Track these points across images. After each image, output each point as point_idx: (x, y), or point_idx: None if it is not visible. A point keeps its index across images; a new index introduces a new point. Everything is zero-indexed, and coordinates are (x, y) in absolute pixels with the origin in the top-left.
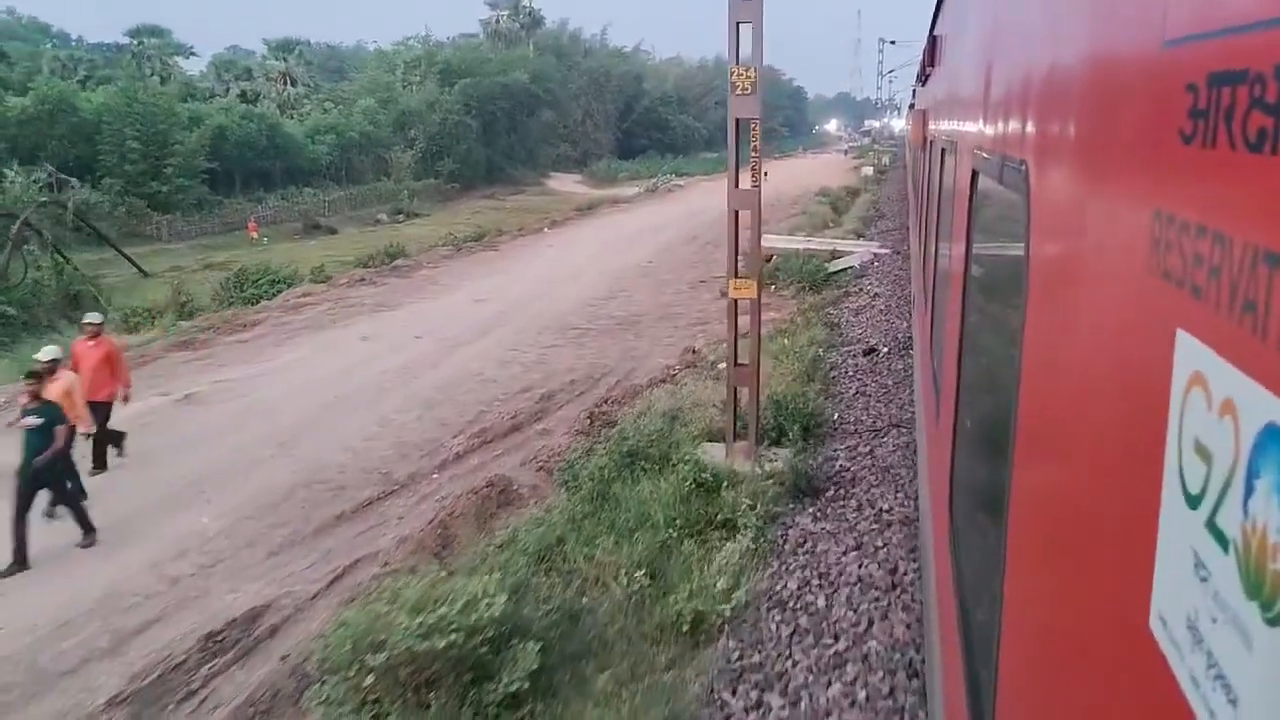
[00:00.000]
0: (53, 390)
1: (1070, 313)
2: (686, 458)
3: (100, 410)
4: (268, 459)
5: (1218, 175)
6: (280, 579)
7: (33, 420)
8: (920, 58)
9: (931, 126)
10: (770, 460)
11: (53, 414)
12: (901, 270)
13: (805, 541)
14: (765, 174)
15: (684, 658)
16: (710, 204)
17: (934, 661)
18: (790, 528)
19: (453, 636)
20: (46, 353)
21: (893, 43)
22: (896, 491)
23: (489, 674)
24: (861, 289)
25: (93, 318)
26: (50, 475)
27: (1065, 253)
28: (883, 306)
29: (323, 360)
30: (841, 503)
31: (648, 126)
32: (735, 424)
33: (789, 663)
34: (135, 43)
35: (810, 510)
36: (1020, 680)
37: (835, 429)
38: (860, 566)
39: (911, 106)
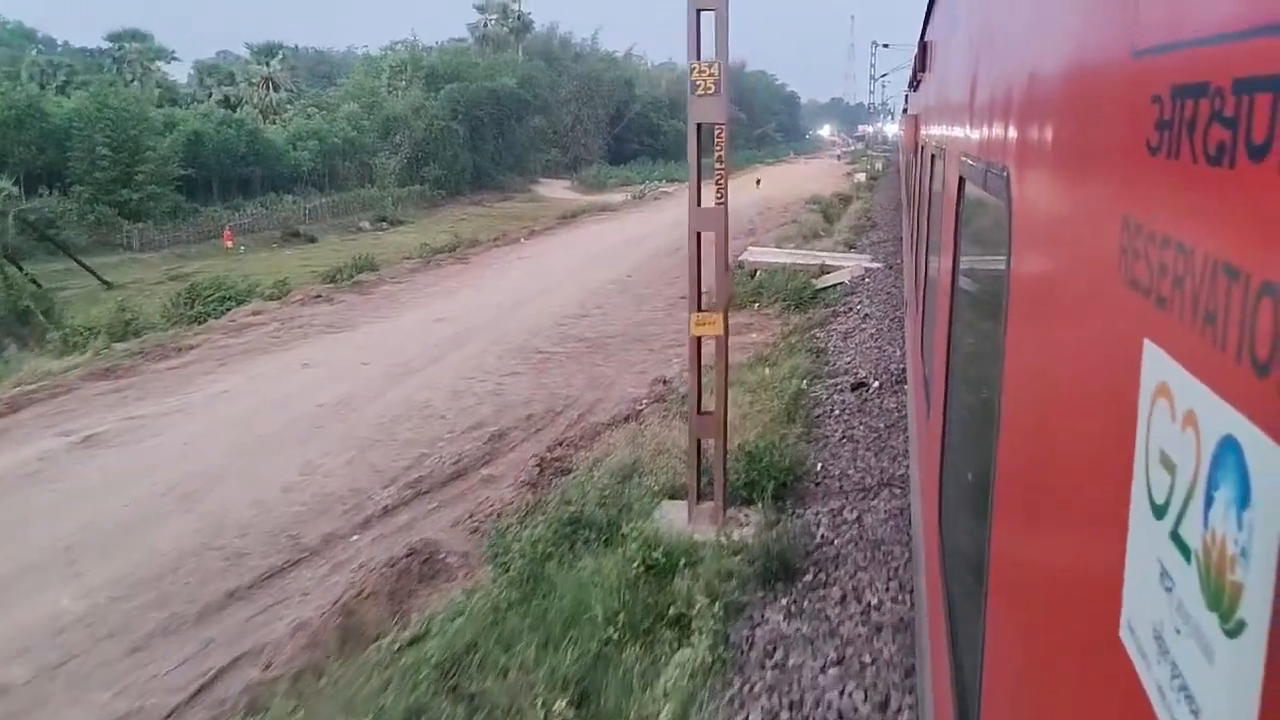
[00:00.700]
0: None
1: (1048, 321)
2: (635, 534)
3: None
4: (164, 516)
5: (1181, 186)
6: (136, 686)
7: None
8: (912, 63)
9: (923, 132)
10: (740, 524)
11: None
12: (895, 287)
13: (775, 649)
14: (758, 181)
15: None
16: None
17: (925, 675)
18: (758, 625)
19: None
20: None
21: (885, 46)
22: (889, 578)
23: None
24: (851, 308)
25: None
26: None
27: (1044, 260)
28: (873, 330)
29: (254, 391)
30: (822, 591)
31: (639, 132)
32: (699, 481)
33: None
34: (116, 47)
35: (783, 601)
36: (1005, 686)
37: (818, 483)
38: (842, 693)
39: (904, 111)
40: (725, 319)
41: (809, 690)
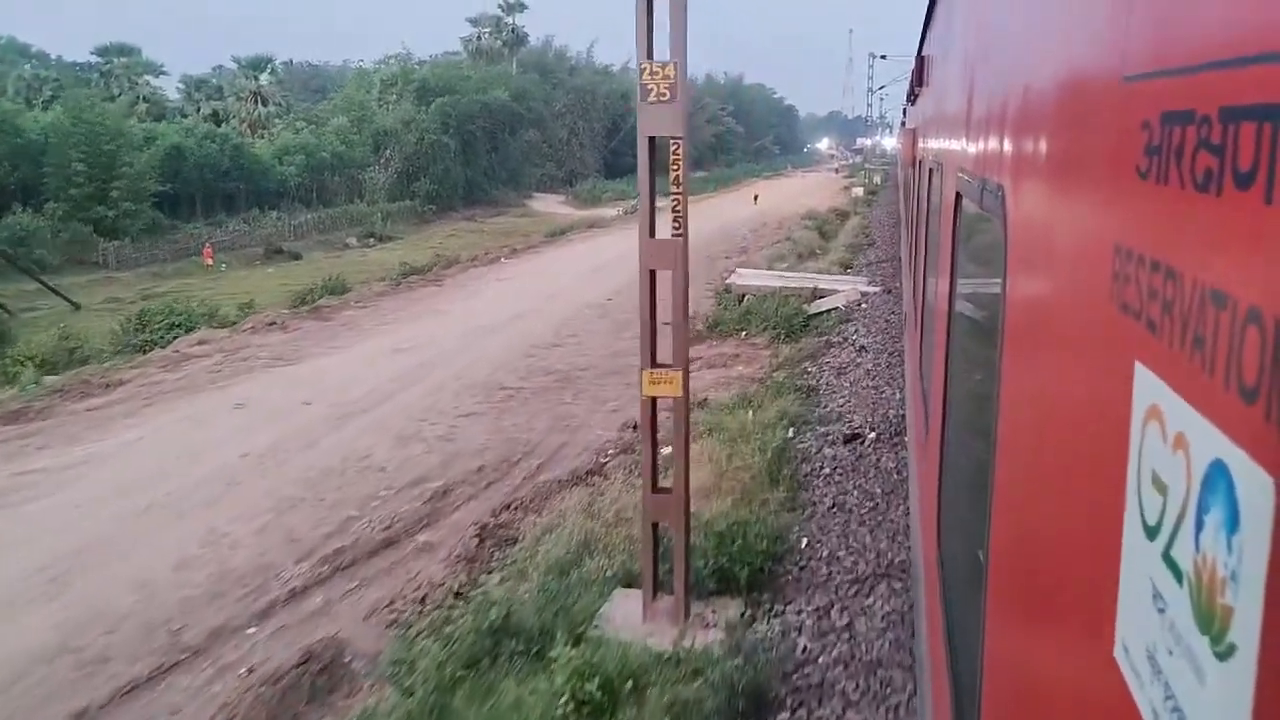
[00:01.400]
0: None
1: (1042, 339)
2: (564, 661)
3: None
4: (21, 606)
5: (1170, 212)
6: None
7: None
8: (910, 76)
9: (920, 146)
10: (706, 624)
11: None
12: (893, 314)
13: None
14: (756, 197)
15: None
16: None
17: (925, 692)
18: None
19: None
20: None
21: (883, 57)
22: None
23: None
24: (846, 338)
25: None
26: None
27: (1038, 278)
28: (870, 366)
29: (174, 438)
30: None
31: (634, 145)
32: (656, 573)
33: None
34: (103, 62)
35: None
36: (1004, 706)
37: (802, 566)
38: None
39: (902, 125)
40: (685, 377)
41: None
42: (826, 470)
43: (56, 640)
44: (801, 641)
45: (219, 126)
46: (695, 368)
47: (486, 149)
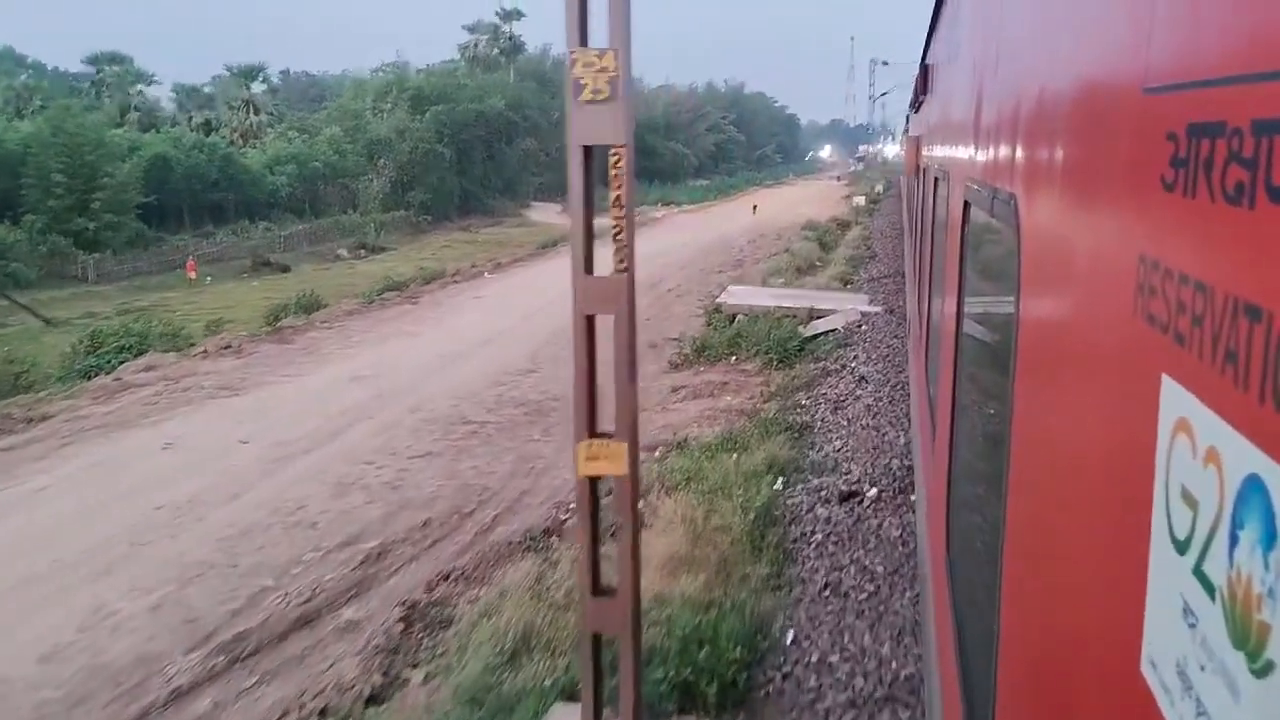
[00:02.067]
0: None
1: (1059, 351)
2: None
3: None
4: None
5: (1199, 225)
6: None
7: None
8: (914, 84)
9: (925, 153)
10: None
11: None
12: (897, 338)
13: None
14: (755, 208)
15: None
16: (683, 240)
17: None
18: None
19: None
20: None
21: (885, 63)
22: None
23: None
24: (845, 366)
25: None
26: None
27: (1055, 289)
28: (871, 400)
29: (84, 487)
30: None
31: (635, 154)
32: (600, 690)
33: None
34: (95, 71)
35: None
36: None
37: (785, 675)
38: None
39: (905, 133)
40: (634, 451)
41: None
42: (818, 536)
43: None
44: None
45: (208, 136)
46: (680, 398)
47: (482, 158)
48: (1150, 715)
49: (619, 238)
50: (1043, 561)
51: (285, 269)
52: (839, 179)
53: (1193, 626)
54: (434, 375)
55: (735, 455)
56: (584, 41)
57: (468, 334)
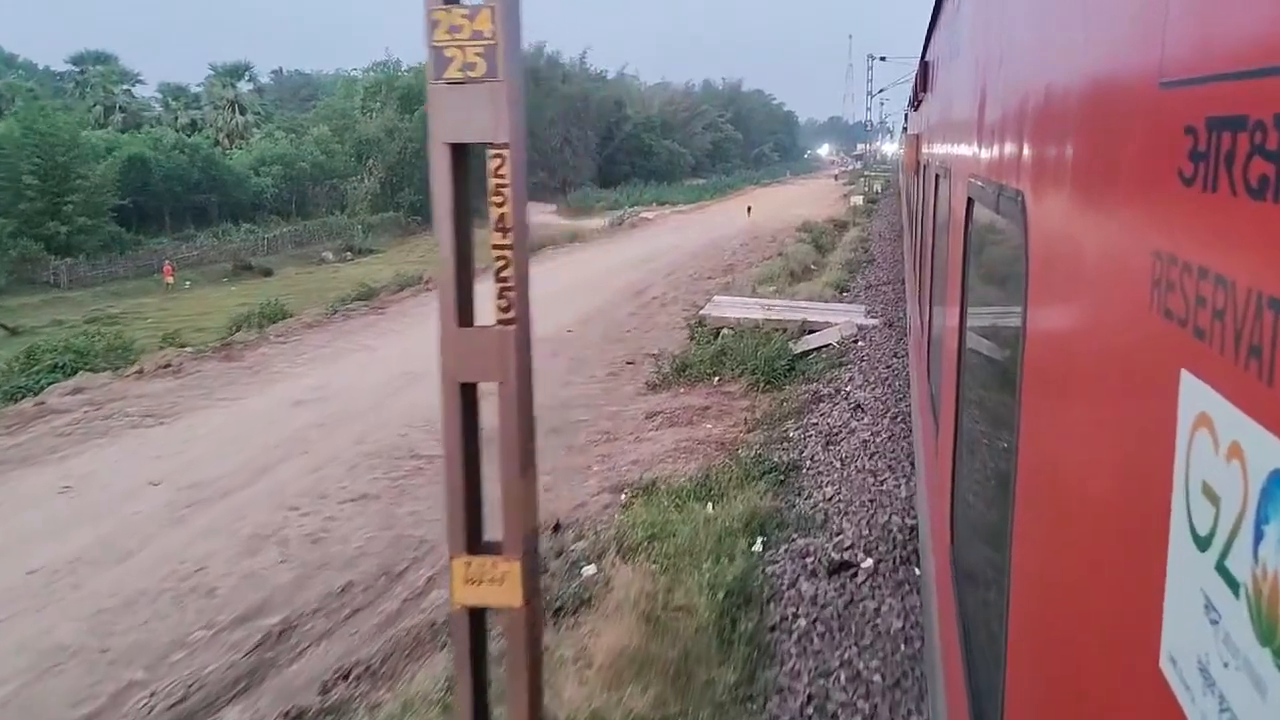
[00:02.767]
0: None
1: (1071, 349)
2: None
3: None
4: None
5: (1220, 219)
6: None
7: None
8: (913, 81)
9: (925, 151)
10: None
11: None
12: (897, 357)
13: None
14: (749, 209)
15: None
16: (673, 242)
17: (939, 706)
18: None
19: None
20: None
21: (883, 59)
22: None
23: None
24: (839, 389)
25: None
26: None
27: (1066, 286)
28: (868, 434)
29: None
30: None
31: (630, 153)
32: None
33: None
34: (78, 70)
35: None
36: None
37: None
38: None
39: (905, 131)
40: (532, 572)
41: None
42: (802, 623)
43: None
44: None
45: (191, 136)
46: (655, 425)
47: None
48: (1170, 712)
49: (504, 275)
50: (1054, 559)
51: (267, 273)
52: (837, 177)
53: (1215, 623)
54: (387, 397)
55: (710, 505)
56: None
57: (431, 349)
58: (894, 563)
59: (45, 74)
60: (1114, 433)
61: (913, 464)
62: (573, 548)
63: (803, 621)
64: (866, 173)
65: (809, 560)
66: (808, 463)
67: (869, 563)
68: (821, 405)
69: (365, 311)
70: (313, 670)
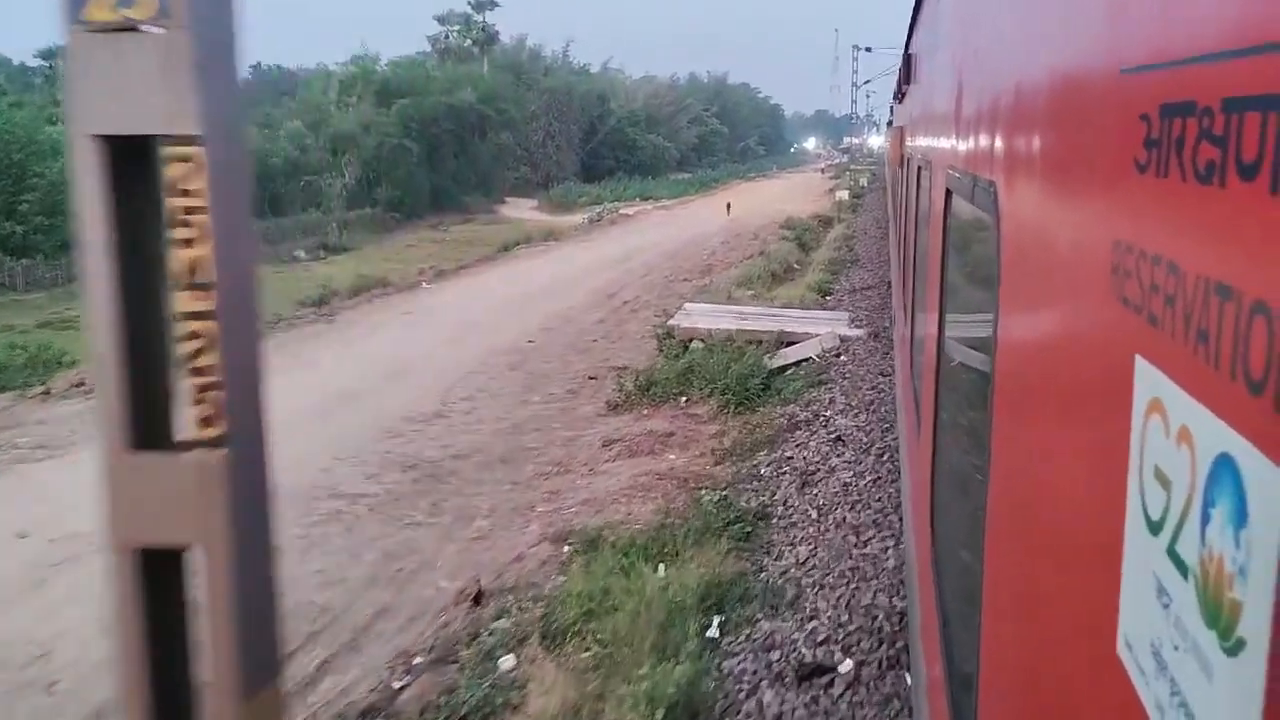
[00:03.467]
0: None
1: (1038, 335)
2: None
3: None
4: None
5: (1171, 205)
6: None
7: None
8: (897, 74)
9: (908, 143)
10: None
11: None
12: (884, 376)
13: None
14: (729, 206)
15: None
16: (652, 240)
17: (920, 694)
18: None
19: None
20: None
21: (868, 50)
22: None
23: None
24: (817, 414)
25: None
26: None
27: (1033, 273)
28: (849, 475)
29: None
30: None
31: (614, 147)
32: None
33: None
34: (47, 65)
35: None
36: (1002, 704)
37: None
38: None
39: (889, 123)
40: None
41: None
42: None
43: None
44: None
45: None
46: (613, 454)
47: (454, 153)
48: (1127, 697)
49: (201, 364)
50: (1024, 545)
51: None
52: (823, 171)
53: (1166, 607)
54: (316, 424)
55: (662, 567)
56: None
57: (376, 364)
58: (879, 666)
59: (20, 70)
60: (1078, 419)
61: (901, 519)
62: (492, 627)
63: None
64: (852, 166)
65: (775, 657)
66: (780, 509)
67: (848, 666)
68: (798, 433)
69: (313, 320)
70: None
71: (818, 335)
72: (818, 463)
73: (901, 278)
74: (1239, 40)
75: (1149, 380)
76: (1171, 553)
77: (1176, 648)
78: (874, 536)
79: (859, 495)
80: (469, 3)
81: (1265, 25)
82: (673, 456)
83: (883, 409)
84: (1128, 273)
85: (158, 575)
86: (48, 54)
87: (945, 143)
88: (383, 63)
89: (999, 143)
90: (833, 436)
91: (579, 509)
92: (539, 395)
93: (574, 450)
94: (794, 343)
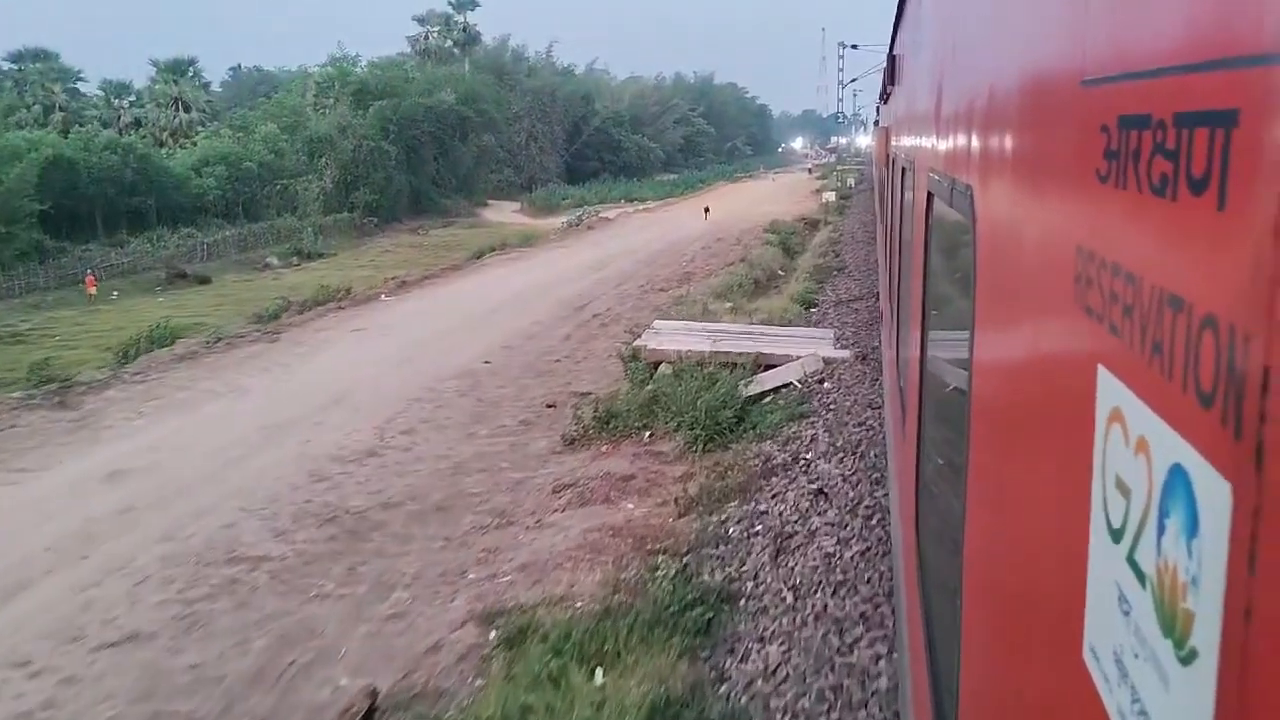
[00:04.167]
0: None
1: (1011, 341)
2: None
3: None
4: None
5: (1129, 217)
6: None
7: None
8: (883, 75)
9: (893, 144)
10: None
11: None
12: (874, 408)
13: None
14: (706, 210)
15: None
16: (631, 245)
17: (906, 695)
18: None
19: None
20: None
21: (854, 47)
22: None
23: None
24: (797, 456)
25: None
26: None
27: (1006, 279)
28: (832, 543)
29: None
30: None
31: (598, 148)
32: None
33: None
34: (16, 69)
35: None
36: (982, 705)
37: None
38: None
39: (876, 124)
40: None
41: None
42: None
43: None
44: None
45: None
46: (563, 503)
47: (433, 155)
48: (1091, 705)
49: None
50: (1001, 552)
51: (204, 281)
52: (810, 171)
53: (1127, 614)
54: (233, 464)
55: (599, 672)
56: None
57: (312, 391)
58: None
59: None
60: (1047, 428)
61: (893, 611)
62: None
63: None
64: (839, 166)
65: None
66: (749, 585)
67: None
68: (774, 480)
69: (256, 337)
70: None
71: (799, 358)
72: (795, 521)
73: (887, 279)
74: (1190, 56)
75: (1110, 390)
76: (1131, 561)
77: (1136, 656)
78: (863, 635)
79: (844, 571)
80: (449, 3)
81: (1215, 41)
82: (630, 506)
83: (872, 453)
84: (1090, 282)
85: None
86: (18, 57)
87: (927, 145)
88: (362, 64)
89: (976, 147)
90: (814, 488)
91: (516, 577)
92: (488, 428)
93: (520, 496)
94: (773, 366)
